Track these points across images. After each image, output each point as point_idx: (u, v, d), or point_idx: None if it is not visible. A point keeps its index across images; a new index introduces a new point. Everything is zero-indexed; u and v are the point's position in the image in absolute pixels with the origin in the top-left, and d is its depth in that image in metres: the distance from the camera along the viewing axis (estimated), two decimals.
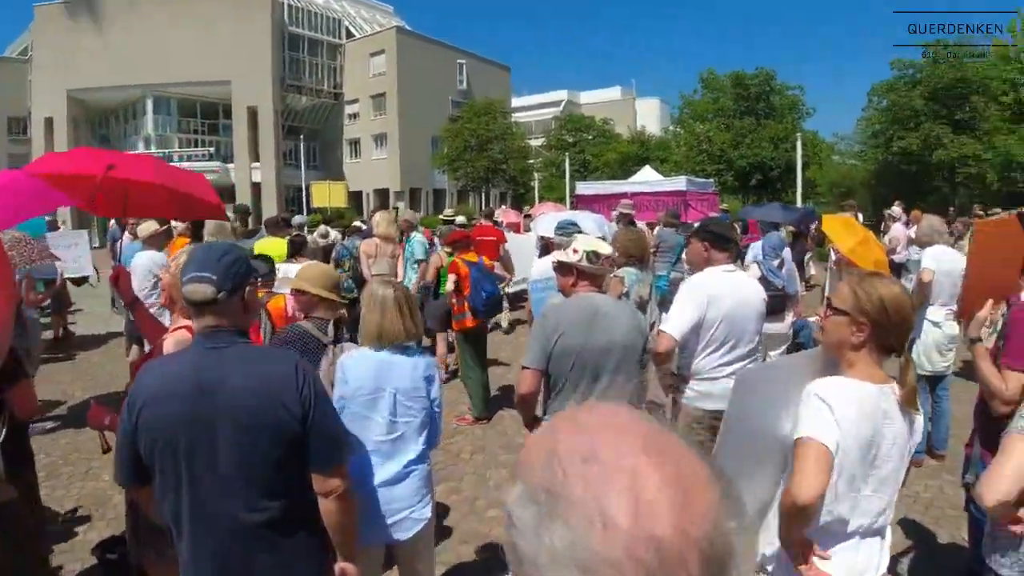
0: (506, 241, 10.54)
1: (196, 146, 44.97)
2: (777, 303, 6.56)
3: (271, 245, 7.92)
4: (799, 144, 26.19)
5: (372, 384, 2.92)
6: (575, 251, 3.23)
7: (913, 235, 8.61)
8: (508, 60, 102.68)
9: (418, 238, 8.70)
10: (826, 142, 40.28)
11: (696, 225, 3.73)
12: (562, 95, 70.83)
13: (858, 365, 2.06)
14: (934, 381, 5.71)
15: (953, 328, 5.39)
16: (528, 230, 13.18)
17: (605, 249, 3.27)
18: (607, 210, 14.04)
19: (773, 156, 34.04)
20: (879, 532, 2.12)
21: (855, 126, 37.60)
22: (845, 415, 1.93)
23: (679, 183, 17.94)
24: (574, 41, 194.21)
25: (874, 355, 2.05)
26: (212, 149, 44.66)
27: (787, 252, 7.17)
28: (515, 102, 61.64)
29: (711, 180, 22.04)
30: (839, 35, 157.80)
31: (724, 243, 3.79)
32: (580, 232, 5.51)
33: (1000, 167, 28.57)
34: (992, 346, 3.04)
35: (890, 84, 32.67)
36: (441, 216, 13.14)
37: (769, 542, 2.18)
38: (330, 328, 3.55)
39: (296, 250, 7.12)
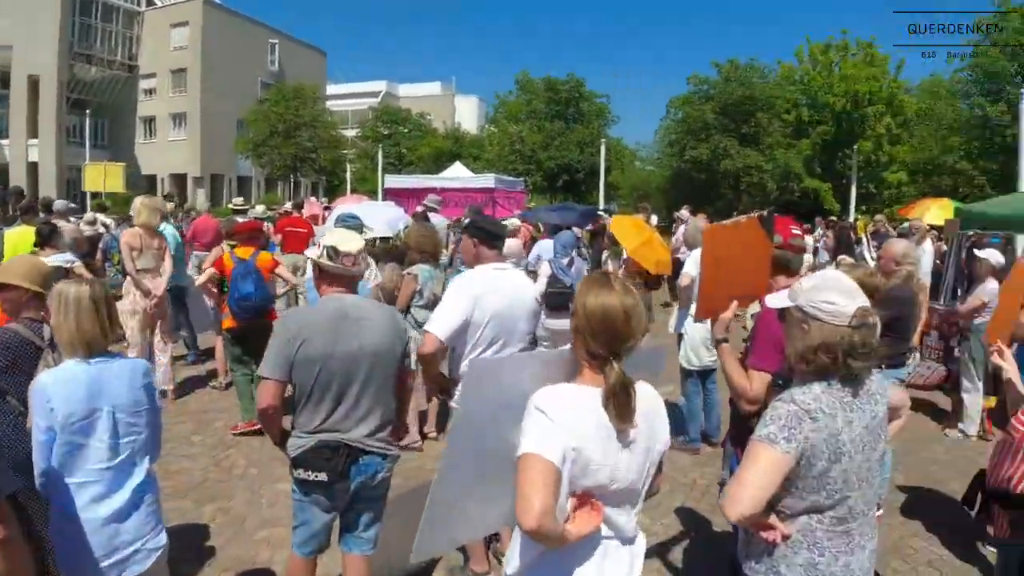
0: (315, 234, 9.95)
1: None
2: (566, 300, 6.64)
3: (23, 234, 7.04)
4: (603, 149, 27.62)
5: (85, 406, 2.46)
6: (318, 247, 2.94)
7: None
8: (327, 46, 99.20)
9: (169, 230, 7.96)
10: (629, 149, 42.91)
11: (466, 222, 3.58)
12: (381, 86, 69.45)
13: (585, 370, 1.94)
14: (704, 375, 6.03)
15: None
16: None
17: (349, 246, 2.98)
18: (416, 204, 13.91)
19: (579, 159, 35.67)
20: (628, 542, 2.01)
21: (654, 135, 40.32)
22: (565, 422, 1.78)
23: (488, 180, 18.22)
24: (397, 33, 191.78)
25: (586, 359, 1.92)
26: None
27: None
28: (332, 89, 60.03)
29: (521, 179, 22.52)
30: (645, 50, 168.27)
31: (493, 240, 3.66)
32: (361, 226, 5.21)
33: (779, 177, 31.83)
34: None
35: (686, 98, 35.18)
36: (230, 205, 12.22)
37: (512, 561, 2.00)
38: (46, 330, 3.02)
39: (44, 240, 6.22)
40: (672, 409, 6.75)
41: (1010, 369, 2.98)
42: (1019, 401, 2.93)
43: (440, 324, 3.39)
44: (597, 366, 1.89)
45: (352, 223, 5.12)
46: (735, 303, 2.92)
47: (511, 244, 9.65)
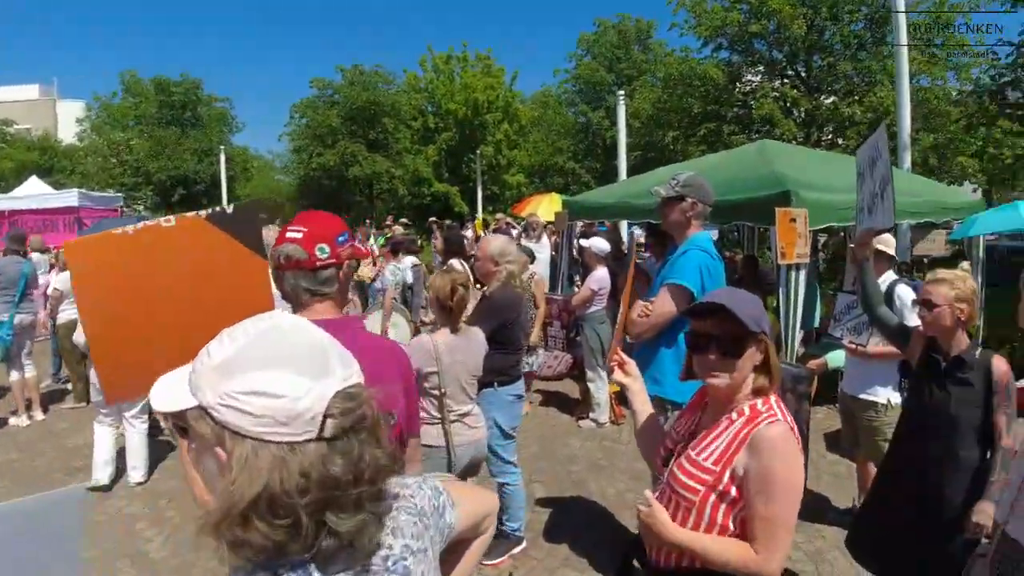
0: None
1: None
2: None
3: None
4: (223, 158, 25.22)
5: None
6: None
7: None
8: None
9: None
10: (262, 157, 40.43)
11: None
12: None
13: None
14: None
15: None
16: None
17: None
18: None
19: (198, 170, 32.38)
20: None
21: (278, 140, 38.65)
22: None
23: (70, 197, 15.17)
24: None
25: None
26: None
27: None
28: None
29: (119, 195, 19.28)
30: (268, 52, 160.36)
31: None
32: None
33: (410, 182, 32.21)
34: None
35: (310, 102, 33.82)
36: None
37: None
38: None
39: None
40: None
41: (634, 386, 2.28)
42: (654, 431, 2.24)
43: None
44: None
45: None
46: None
47: (64, 278, 7.53)
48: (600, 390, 6.75)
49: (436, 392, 3.48)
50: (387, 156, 32.39)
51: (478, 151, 29.55)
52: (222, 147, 25.99)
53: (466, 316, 3.77)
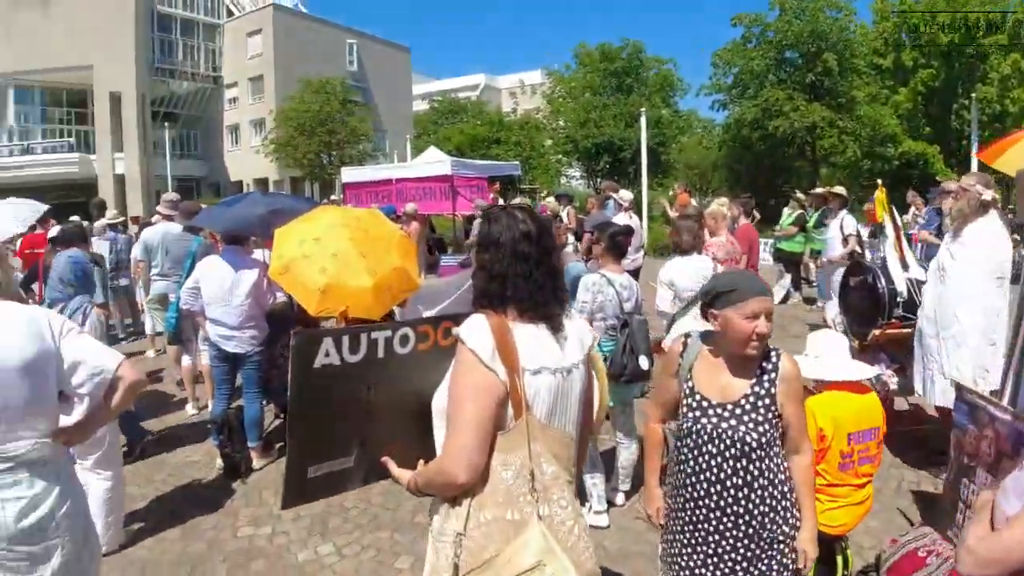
0: None
1: (61, 136, 40.71)
2: None
3: None
4: (643, 122, 22.48)
5: None
6: None
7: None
8: (417, 42, 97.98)
9: None
10: (704, 120, 36.98)
11: None
12: (479, 79, 68.21)
13: None
14: None
15: None
16: None
17: None
18: (373, 199, 13.28)
19: (624, 136, 30.02)
20: None
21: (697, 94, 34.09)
22: None
23: (444, 167, 14.40)
24: (492, 20, 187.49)
25: None
26: (72, 140, 40.32)
27: None
28: (428, 87, 59.77)
29: (493, 163, 18.37)
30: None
31: None
32: None
33: (866, 140, 25.04)
34: None
35: (735, 46, 28.69)
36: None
37: None
38: None
39: None
40: None
41: None
42: None
43: None
44: None
45: None
46: None
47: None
48: None
49: None
50: (832, 105, 26.15)
51: (972, 94, 21.34)
52: (643, 111, 23.30)
53: None
